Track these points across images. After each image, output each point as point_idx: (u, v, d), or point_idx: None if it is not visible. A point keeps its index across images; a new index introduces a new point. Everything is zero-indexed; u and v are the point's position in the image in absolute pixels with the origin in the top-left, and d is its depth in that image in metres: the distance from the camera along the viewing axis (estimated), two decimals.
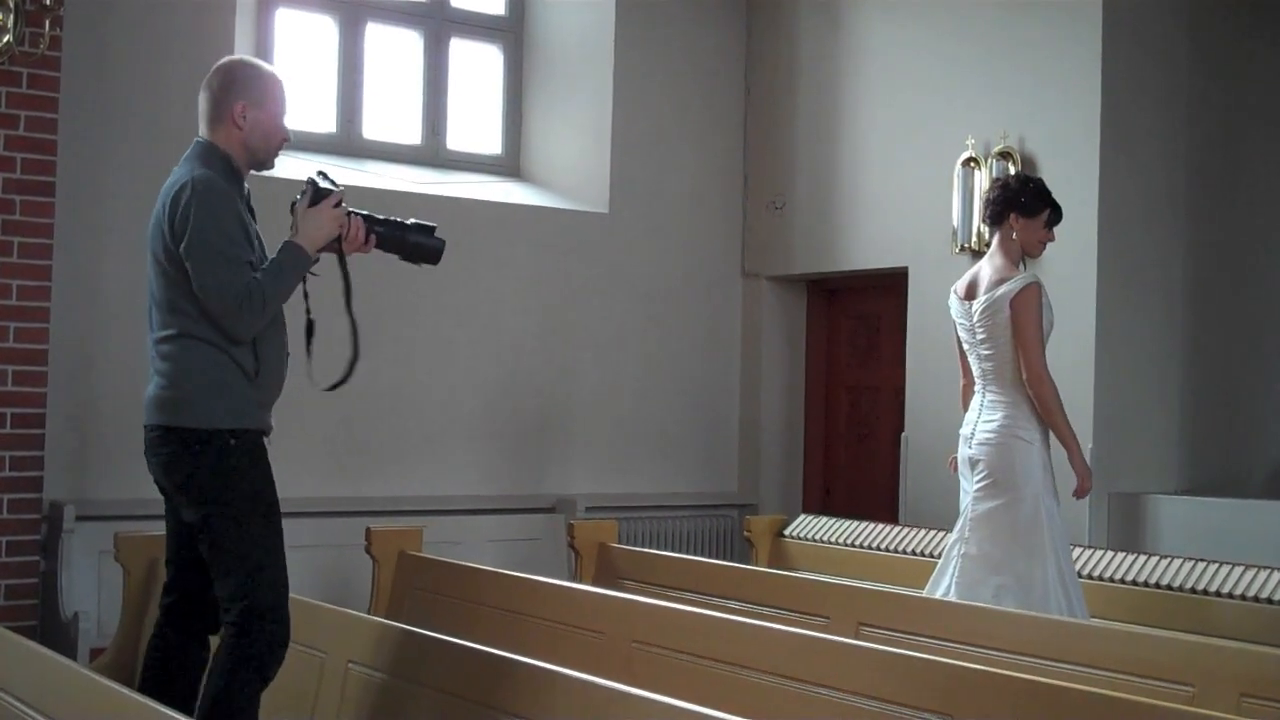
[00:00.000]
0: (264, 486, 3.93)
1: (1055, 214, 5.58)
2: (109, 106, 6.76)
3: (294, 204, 3.98)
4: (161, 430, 3.89)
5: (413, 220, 4.14)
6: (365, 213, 4.08)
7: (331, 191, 3.97)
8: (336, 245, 4.00)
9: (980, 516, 5.44)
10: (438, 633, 4.17)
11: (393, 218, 4.13)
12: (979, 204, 7.31)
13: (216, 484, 3.85)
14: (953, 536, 5.56)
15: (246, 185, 4.04)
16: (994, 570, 5.36)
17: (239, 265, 3.79)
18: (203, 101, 3.99)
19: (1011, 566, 5.33)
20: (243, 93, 3.94)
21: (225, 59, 4.09)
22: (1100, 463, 6.88)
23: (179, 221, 3.80)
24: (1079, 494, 5.51)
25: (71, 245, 6.50)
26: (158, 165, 4.04)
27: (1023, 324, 5.36)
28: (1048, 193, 5.60)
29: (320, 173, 4.04)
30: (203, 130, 3.99)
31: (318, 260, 4.00)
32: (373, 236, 4.04)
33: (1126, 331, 7.11)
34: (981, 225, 7.20)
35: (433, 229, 4.13)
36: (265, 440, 4.00)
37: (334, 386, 4.09)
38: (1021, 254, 5.55)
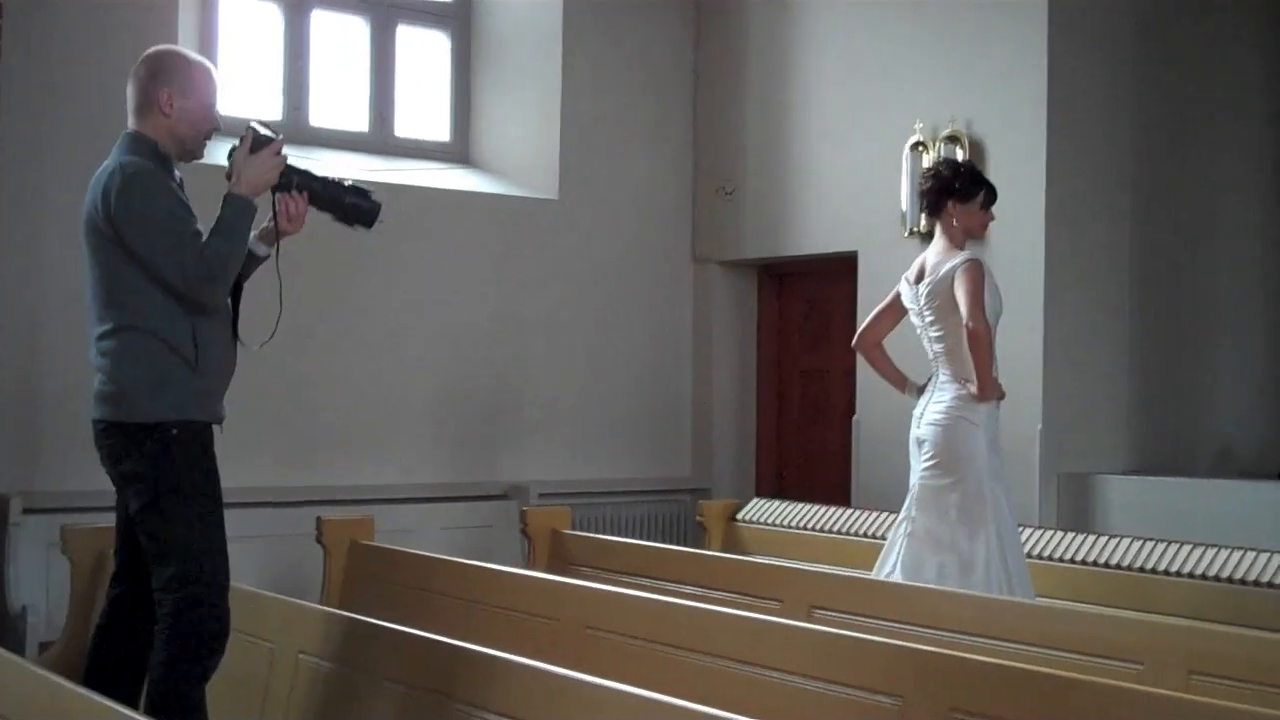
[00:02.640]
0: (205, 479, 3.91)
1: (991, 195, 5.65)
2: (49, 97, 6.69)
3: (232, 152, 3.95)
4: (105, 424, 3.90)
5: (351, 182, 4.14)
6: (304, 168, 4.08)
7: (272, 139, 3.95)
8: (272, 190, 3.99)
9: (926, 496, 5.50)
10: (391, 622, 4.14)
11: (331, 177, 4.12)
12: None
13: (157, 475, 3.84)
14: (900, 516, 5.61)
15: (178, 174, 4.02)
16: (937, 549, 5.43)
17: (187, 239, 3.79)
18: (130, 92, 3.98)
19: (954, 546, 5.40)
20: (169, 81, 3.94)
21: (152, 49, 4.07)
22: (1049, 443, 6.95)
23: (115, 209, 3.78)
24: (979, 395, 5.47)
25: (12, 236, 6.44)
26: (99, 155, 4.00)
27: (966, 291, 5.39)
28: (980, 175, 5.70)
29: (259, 121, 4.01)
30: (130, 121, 3.98)
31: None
32: (305, 206, 4.04)
33: (1074, 313, 7.15)
34: (921, 214, 7.25)
35: (369, 192, 4.12)
36: (217, 429, 3.99)
37: (263, 345, 4.08)
38: (964, 238, 5.60)
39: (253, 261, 4.07)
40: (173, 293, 3.82)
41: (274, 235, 4.06)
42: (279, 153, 3.96)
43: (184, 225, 3.81)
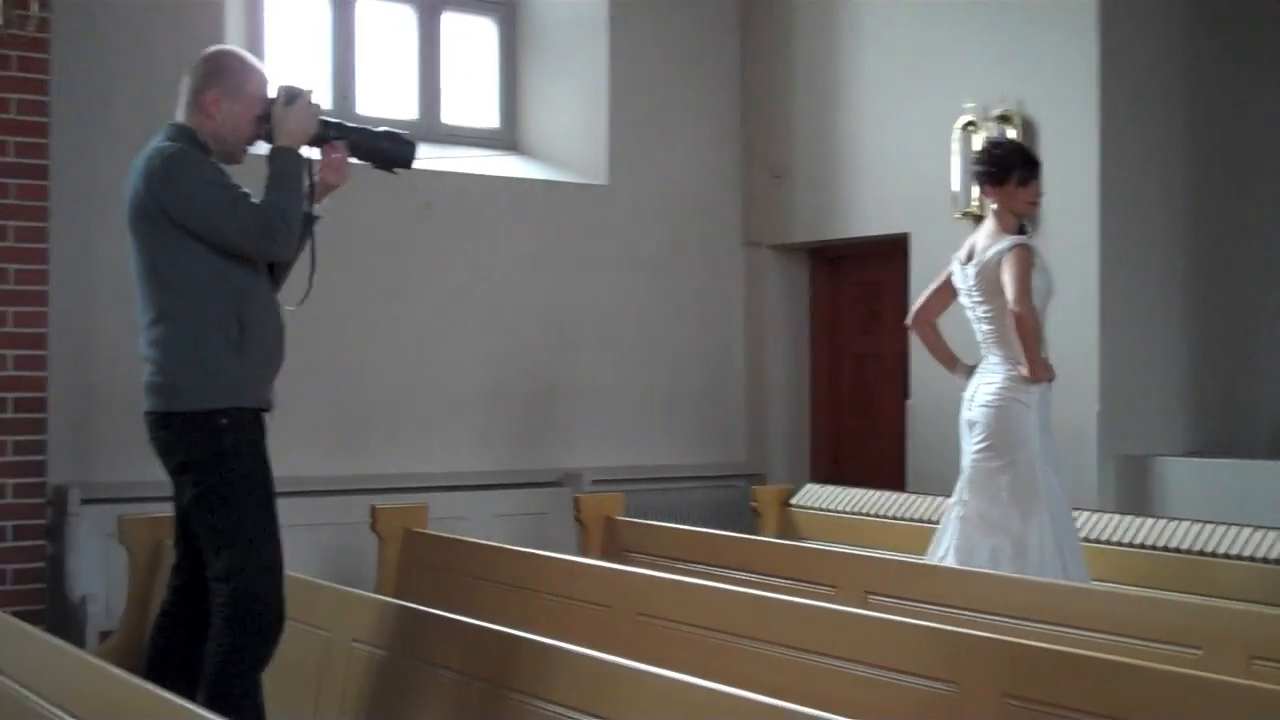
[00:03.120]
0: (256, 466, 3.92)
1: (1026, 172, 5.54)
2: (100, 86, 6.72)
3: (262, 115, 3.98)
4: (156, 415, 3.92)
5: (384, 128, 4.20)
6: (337, 120, 4.16)
7: (303, 91, 4.00)
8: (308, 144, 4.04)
9: (978, 478, 5.46)
10: (444, 609, 4.15)
11: (364, 126, 4.19)
12: None
13: (208, 464, 3.86)
14: (952, 499, 5.58)
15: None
16: (990, 532, 5.39)
17: (238, 199, 3.84)
18: (183, 86, 4.02)
19: (1007, 528, 5.36)
20: (220, 83, 3.97)
21: (215, 48, 4.12)
22: (1107, 425, 6.88)
23: (160, 188, 3.81)
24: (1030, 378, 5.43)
25: (67, 227, 6.48)
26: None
27: (1012, 276, 5.35)
28: (1013, 155, 5.60)
29: (286, 84, 4.04)
30: (178, 115, 4.01)
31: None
32: (346, 153, 4.10)
33: (1131, 293, 7.07)
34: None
35: (402, 135, 4.20)
36: (266, 417, 3.99)
37: (300, 302, 4.11)
38: (1013, 219, 5.55)
39: (306, 223, 4.08)
40: (241, 256, 3.85)
41: (315, 193, 4.08)
42: (313, 101, 3.99)
43: (230, 190, 3.85)
